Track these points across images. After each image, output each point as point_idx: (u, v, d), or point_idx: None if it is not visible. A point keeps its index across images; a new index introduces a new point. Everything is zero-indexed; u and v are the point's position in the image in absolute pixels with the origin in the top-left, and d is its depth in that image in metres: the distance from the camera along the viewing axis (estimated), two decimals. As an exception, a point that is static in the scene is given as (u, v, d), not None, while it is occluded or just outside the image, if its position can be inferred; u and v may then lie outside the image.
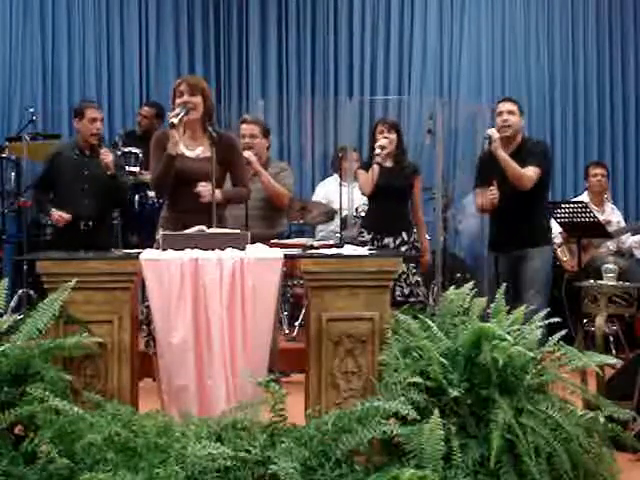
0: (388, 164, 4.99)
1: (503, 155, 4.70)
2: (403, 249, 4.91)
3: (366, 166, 5.12)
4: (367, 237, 4.99)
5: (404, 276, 4.87)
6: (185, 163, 3.76)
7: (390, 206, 5.00)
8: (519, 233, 4.76)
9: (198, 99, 3.76)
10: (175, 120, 3.64)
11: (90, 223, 4.99)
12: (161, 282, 3.09)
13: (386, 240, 4.96)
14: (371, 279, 3.18)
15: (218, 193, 3.71)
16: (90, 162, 5.01)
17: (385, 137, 4.95)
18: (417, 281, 4.96)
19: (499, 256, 4.83)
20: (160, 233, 3.66)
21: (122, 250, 3.63)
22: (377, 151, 4.89)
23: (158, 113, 6.39)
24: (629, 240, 6.27)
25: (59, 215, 4.96)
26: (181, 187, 3.75)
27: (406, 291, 4.88)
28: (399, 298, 4.76)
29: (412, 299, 4.85)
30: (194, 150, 3.81)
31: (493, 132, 4.72)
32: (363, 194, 5.16)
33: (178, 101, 3.75)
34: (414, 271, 4.95)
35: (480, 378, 2.87)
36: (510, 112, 4.81)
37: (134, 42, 7.39)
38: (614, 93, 7.67)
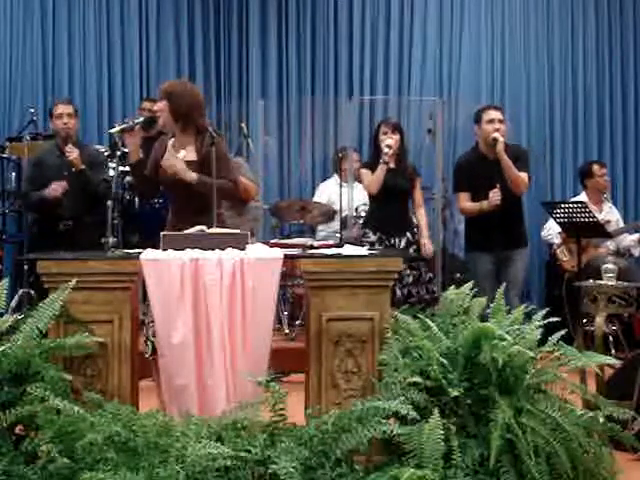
0: (391, 165, 5.03)
1: (507, 159, 4.83)
2: (411, 250, 4.98)
3: (368, 166, 5.15)
4: (373, 238, 5.03)
5: (422, 275, 4.98)
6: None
7: (394, 207, 5.07)
8: (508, 235, 4.90)
9: (162, 104, 3.78)
10: (111, 130, 3.77)
11: (70, 223, 5.03)
12: (161, 282, 3.09)
13: (393, 240, 5.01)
14: (371, 279, 3.19)
15: (194, 175, 3.68)
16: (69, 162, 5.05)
17: (390, 137, 5.01)
18: (430, 278, 5.07)
19: (483, 256, 4.95)
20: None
21: (122, 250, 3.63)
22: (385, 150, 4.94)
23: None
24: (627, 239, 6.28)
25: (53, 189, 4.98)
26: (171, 192, 3.85)
27: (425, 290, 4.98)
28: (426, 297, 4.91)
29: (428, 296, 4.96)
30: (178, 154, 3.81)
31: (498, 135, 4.80)
32: (369, 193, 5.18)
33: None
34: (425, 269, 5.05)
35: (480, 378, 2.87)
36: (500, 120, 4.93)
37: (134, 42, 7.38)
38: (614, 93, 7.66)
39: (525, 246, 5.14)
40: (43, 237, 5.06)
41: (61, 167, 5.07)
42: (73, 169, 4.99)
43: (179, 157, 3.74)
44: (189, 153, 3.79)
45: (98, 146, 6.12)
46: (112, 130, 3.72)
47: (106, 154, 5.70)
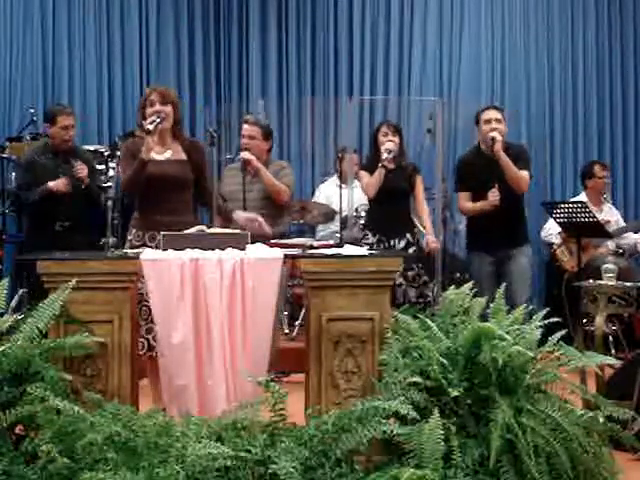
0: (390, 166, 5.02)
1: (505, 158, 4.81)
2: (410, 251, 4.96)
3: (368, 167, 5.14)
4: (372, 239, 5.02)
5: (417, 278, 4.96)
6: (155, 166, 3.88)
7: (393, 208, 5.05)
8: (509, 234, 4.89)
9: (169, 108, 3.92)
10: (151, 127, 3.80)
11: (66, 224, 5.04)
12: (161, 282, 3.09)
13: (392, 242, 5.00)
14: (371, 279, 3.19)
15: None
16: (64, 163, 5.05)
17: (390, 140, 5.00)
18: (425, 281, 5.05)
19: (482, 256, 4.95)
20: (132, 233, 3.94)
21: (122, 250, 3.65)
22: (384, 155, 4.92)
23: None
24: (631, 238, 6.27)
25: (55, 184, 4.97)
26: (151, 190, 3.89)
27: (417, 292, 4.96)
28: (413, 299, 4.87)
29: (421, 300, 4.93)
30: (163, 154, 3.95)
31: (496, 134, 4.80)
32: (367, 196, 5.17)
33: (150, 110, 3.90)
34: (422, 272, 5.02)
35: (480, 378, 2.87)
36: (498, 120, 4.91)
37: (134, 42, 7.37)
38: (614, 93, 7.66)
39: (526, 243, 5.11)
40: (39, 237, 5.06)
41: (55, 168, 5.05)
42: (83, 186, 5.03)
43: (167, 156, 3.94)
44: (176, 153, 3.97)
45: (98, 146, 6.12)
46: (149, 127, 3.75)
47: (106, 154, 5.69)
